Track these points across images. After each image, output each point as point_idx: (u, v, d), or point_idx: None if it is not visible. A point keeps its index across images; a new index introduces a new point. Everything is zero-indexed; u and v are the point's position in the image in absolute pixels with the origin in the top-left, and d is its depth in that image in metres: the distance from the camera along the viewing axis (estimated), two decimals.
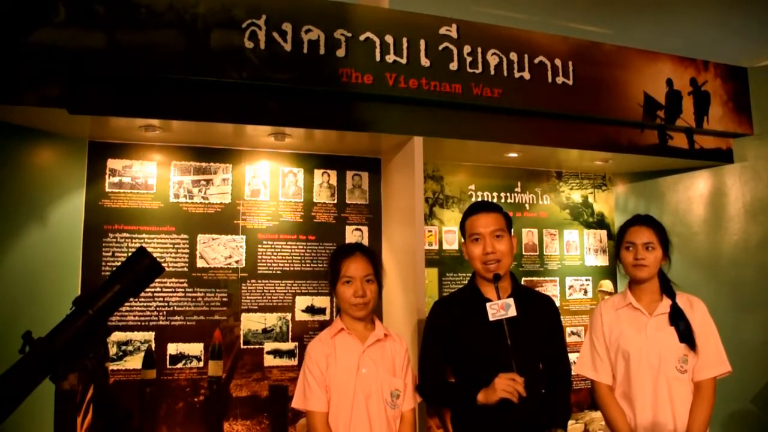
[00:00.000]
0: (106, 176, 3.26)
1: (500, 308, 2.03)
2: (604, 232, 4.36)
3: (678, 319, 2.32)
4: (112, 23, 2.58)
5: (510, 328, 2.01)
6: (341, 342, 2.15)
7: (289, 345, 3.44)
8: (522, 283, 3.83)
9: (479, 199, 4.01)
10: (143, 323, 3.23)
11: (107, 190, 3.25)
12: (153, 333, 3.23)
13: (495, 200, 4.05)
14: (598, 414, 3.72)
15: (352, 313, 2.13)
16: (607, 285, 4.24)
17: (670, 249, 2.43)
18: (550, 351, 2.20)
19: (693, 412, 2.28)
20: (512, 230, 2.23)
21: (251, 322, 3.40)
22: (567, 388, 2.28)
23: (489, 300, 2.10)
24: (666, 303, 2.37)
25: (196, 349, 3.28)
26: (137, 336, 3.21)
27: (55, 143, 3.09)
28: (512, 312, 2.02)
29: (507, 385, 1.94)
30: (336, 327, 2.17)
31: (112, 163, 3.28)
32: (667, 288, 2.41)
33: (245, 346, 3.37)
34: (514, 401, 1.93)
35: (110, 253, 3.20)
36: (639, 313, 2.39)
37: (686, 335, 2.30)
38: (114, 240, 3.22)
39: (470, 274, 3.96)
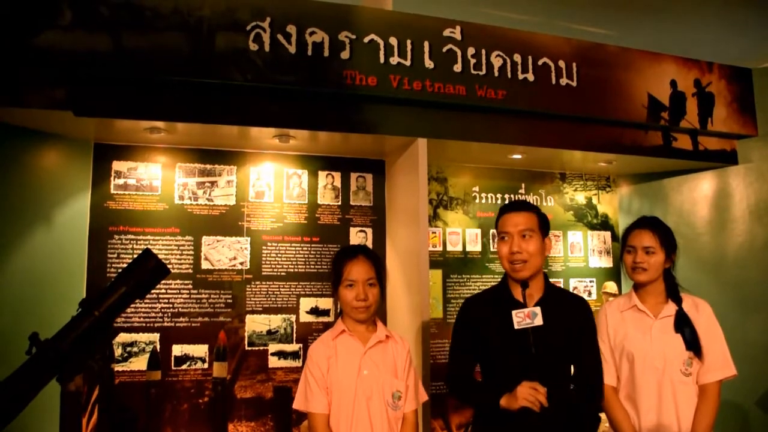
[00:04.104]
0: (111, 178, 3.27)
1: (526, 317, 2.02)
2: (608, 234, 4.36)
3: (683, 326, 2.32)
4: (117, 26, 2.59)
5: (537, 334, 2.00)
6: (342, 344, 2.15)
7: (294, 346, 3.45)
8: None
9: (483, 200, 4.02)
10: (148, 325, 3.24)
11: (112, 191, 3.26)
12: (158, 334, 3.24)
13: (499, 201, 4.06)
14: (603, 416, 3.71)
15: (354, 316, 2.14)
16: (611, 287, 4.24)
17: (676, 252, 2.42)
18: (580, 355, 2.15)
19: (697, 415, 2.28)
20: (548, 231, 2.18)
21: (256, 323, 3.40)
22: (595, 394, 2.21)
23: (517, 301, 2.09)
24: (671, 306, 2.37)
25: (200, 350, 3.29)
26: (142, 337, 3.22)
27: (60, 145, 3.10)
28: (538, 321, 2.01)
29: (528, 395, 1.94)
30: (338, 329, 2.18)
31: (117, 165, 3.29)
32: (673, 292, 2.40)
33: (250, 348, 3.38)
34: (536, 410, 1.92)
35: (115, 255, 3.21)
36: (644, 315, 2.39)
37: (692, 343, 2.29)
38: (119, 242, 3.23)
39: (475, 276, 3.98)
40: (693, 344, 2.29)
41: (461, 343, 2.24)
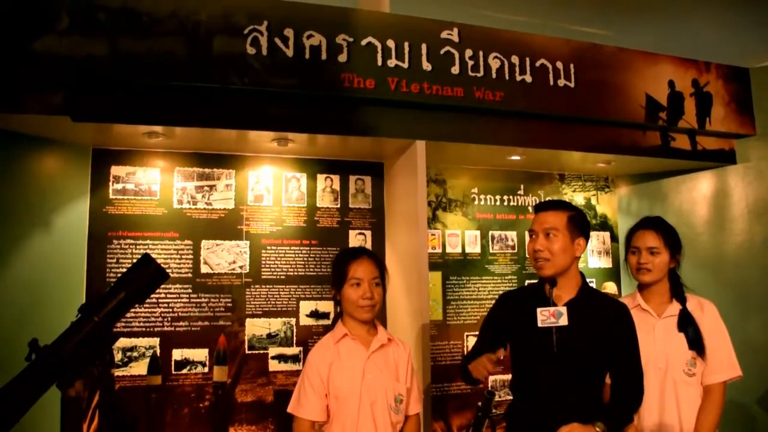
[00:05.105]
0: (110, 183, 3.27)
1: (551, 315, 2.03)
2: (607, 234, 4.36)
3: (687, 326, 2.31)
4: (114, 31, 2.59)
5: (561, 334, 2.01)
6: (345, 348, 2.15)
7: (294, 350, 3.44)
8: (525, 284, 3.83)
9: (482, 202, 4.02)
10: (148, 329, 3.23)
11: (111, 196, 3.26)
12: (158, 339, 3.23)
13: (498, 203, 4.06)
14: None
15: (359, 315, 2.13)
16: (610, 287, 4.24)
17: (681, 252, 2.41)
18: (615, 362, 2.08)
19: (701, 415, 2.28)
20: (584, 231, 2.13)
21: (256, 327, 3.40)
22: (628, 396, 2.10)
23: (546, 299, 2.09)
24: (675, 306, 2.36)
25: (201, 354, 3.29)
26: (142, 342, 3.21)
27: (58, 151, 3.10)
28: (563, 321, 2.01)
29: (479, 363, 2.03)
30: (339, 332, 2.17)
31: (115, 170, 3.29)
32: (678, 291, 2.40)
33: (250, 352, 3.37)
34: (479, 378, 2.07)
35: (115, 260, 3.21)
36: (647, 315, 2.39)
37: (695, 342, 2.29)
38: (118, 246, 3.23)
39: (474, 278, 3.97)
40: (696, 343, 2.28)
41: (481, 334, 2.30)
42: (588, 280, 4.18)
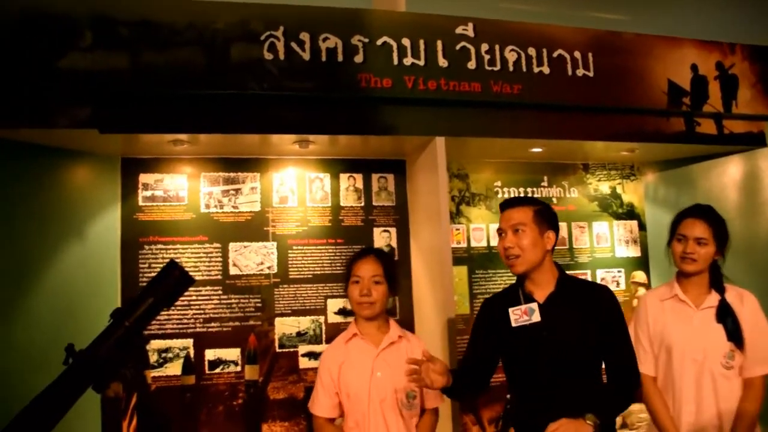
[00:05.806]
0: (139, 190, 3.37)
1: (523, 314, 2.03)
2: (634, 223, 4.30)
3: (726, 316, 2.26)
4: (136, 44, 2.68)
5: (538, 331, 2.01)
6: (354, 347, 2.20)
7: (323, 347, 3.49)
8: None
9: (505, 195, 4.01)
10: (181, 331, 3.33)
11: (141, 204, 3.36)
12: (191, 340, 3.33)
13: (522, 195, 4.04)
14: (636, 407, 3.68)
15: (359, 312, 2.19)
16: (640, 276, 4.19)
17: (727, 245, 2.35)
18: (605, 347, 2.02)
19: (740, 409, 2.23)
20: (552, 224, 2.12)
21: (285, 326, 3.47)
22: (622, 382, 2.04)
23: (529, 295, 2.09)
24: (714, 297, 2.30)
25: (233, 354, 3.37)
26: (176, 343, 3.31)
27: (89, 162, 3.21)
28: (536, 318, 2.02)
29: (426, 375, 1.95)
30: (350, 332, 2.23)
31: (144, 178, 3.39)
32: (717, 282, 2.34)
33: (280, 350, 3.45)
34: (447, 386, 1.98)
35: (147, 265, 3.31)
36: (685, 306, 2.34)
37: (734, 333, 2.23)
38: (150, 252, 3.33)
39: (500, 271, 3.97)
40: (735, 335, 2.23)
41: (470, 343, 2.28)
42: (616, 269, 4.14)
